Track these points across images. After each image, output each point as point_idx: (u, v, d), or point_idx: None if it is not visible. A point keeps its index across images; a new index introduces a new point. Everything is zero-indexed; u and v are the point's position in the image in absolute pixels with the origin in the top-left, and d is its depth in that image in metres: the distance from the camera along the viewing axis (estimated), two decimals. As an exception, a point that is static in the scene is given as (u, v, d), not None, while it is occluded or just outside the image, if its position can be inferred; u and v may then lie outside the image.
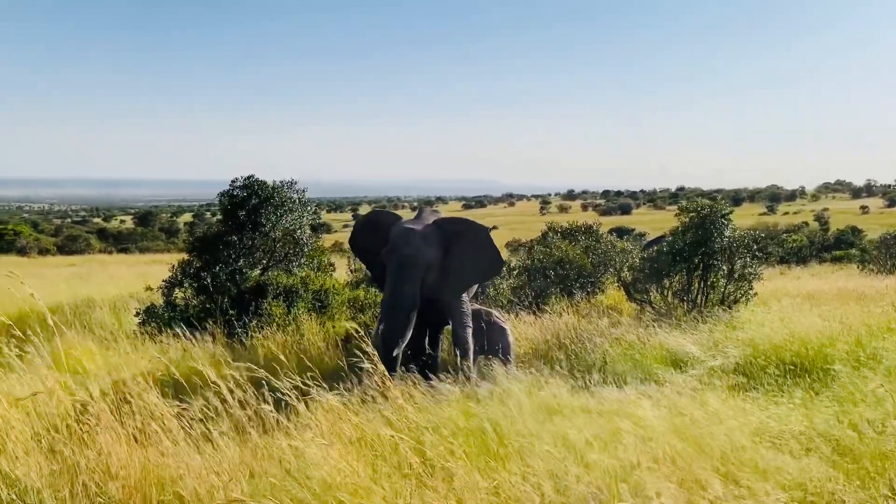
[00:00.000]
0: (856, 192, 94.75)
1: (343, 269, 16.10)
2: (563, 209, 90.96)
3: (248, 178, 10.67)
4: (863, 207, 68.22)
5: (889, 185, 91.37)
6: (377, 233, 7.37)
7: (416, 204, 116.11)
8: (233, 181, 10.76)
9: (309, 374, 4.64)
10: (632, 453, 4.08)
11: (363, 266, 16.03)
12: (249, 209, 10.44)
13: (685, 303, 10.37)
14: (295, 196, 10.96)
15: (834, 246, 30.02)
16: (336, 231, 64.78)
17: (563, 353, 7.83)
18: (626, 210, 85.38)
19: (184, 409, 4.31)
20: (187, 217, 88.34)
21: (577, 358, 7.69)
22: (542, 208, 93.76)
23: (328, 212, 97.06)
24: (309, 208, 11.26)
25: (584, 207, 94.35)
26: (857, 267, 22.22)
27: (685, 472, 3.95)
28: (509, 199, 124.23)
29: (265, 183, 10.69)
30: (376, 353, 4.69)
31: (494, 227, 60.48)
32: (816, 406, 5.45)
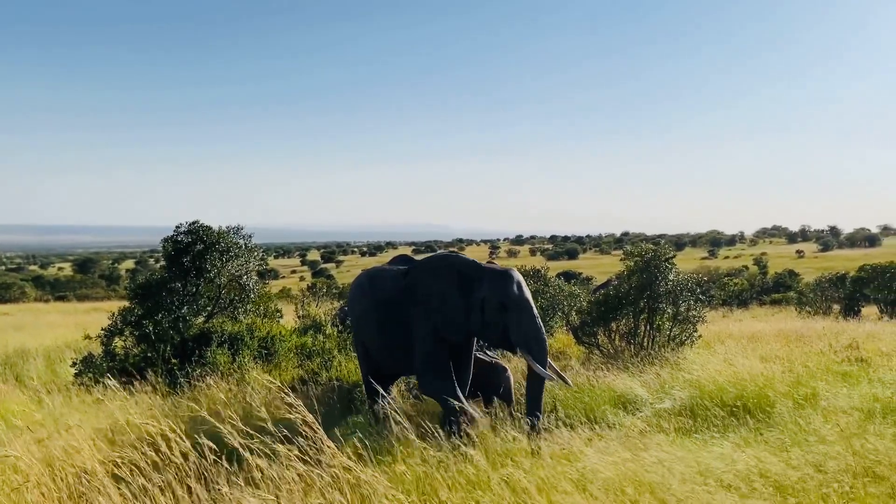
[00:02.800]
0: (791, 237, 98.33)
1: (290, 316, 15.85)
2: (511, 253, 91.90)
3: (193, 223, 10.49)
4: (798, 252, 70.74)
5: (822, 231, 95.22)
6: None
7: (365, 249, 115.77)
8: (177, 227, 10.56)
9: (255, 422, 4.51)
10: (579, 499, 4.06)
11: (312, 313, 15.86)
12: (194, 255, 10.23)
13: (632, 345, 10.51)
14: (241, 242, 10.81)
15: (772, 289, 30.97)
16: (283, 277, 63.97)
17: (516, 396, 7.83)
18: (572, 255, 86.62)
19: (118, 462, 4.13)
20: (129, 264, 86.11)
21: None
22: (491, 252, 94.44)
23: (276, 257, 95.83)
24: (255, 254, 11.11)
25: (533, 252, 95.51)
26: (795, 309, 22.92)
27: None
28: (459, 243, 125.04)
29: (210, 228, 10.52)
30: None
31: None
32: (759, 446, 5.55)
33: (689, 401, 7.62)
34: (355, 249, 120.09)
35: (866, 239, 79.72)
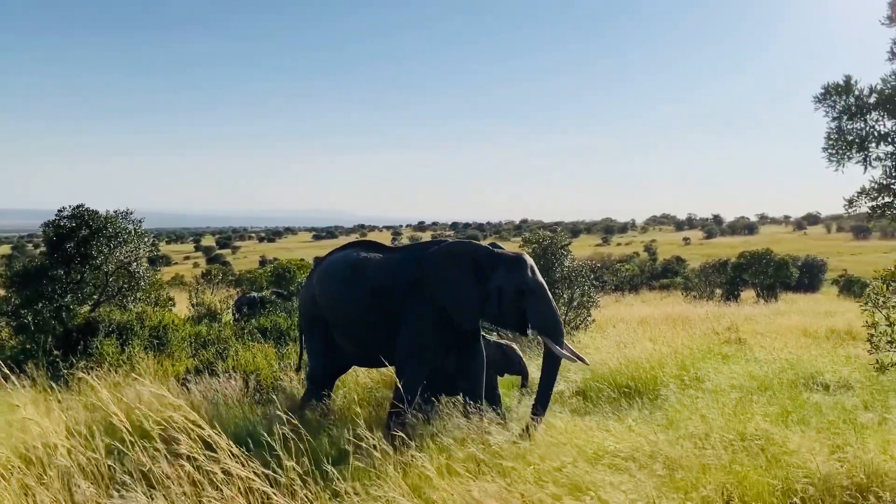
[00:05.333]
0: (679, 225, 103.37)
1: (184, 304, 15.28)
2: (414, 240, 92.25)
3: (78, 207, 9.92)
4: (685, 239, 74.54)
5: (707, 219, 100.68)
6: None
7: (263, 234, 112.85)
8: (59, 210, 9.95)
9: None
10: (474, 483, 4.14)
11: (207, 301, 15.34)
12: (79, 241, 9.67)
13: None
14: (130, 227, 10.31)
15: (661, 274, 32.52)
16: (176, 263, 61.50)
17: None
18: (462, 240, 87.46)
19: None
20: (5, 249, 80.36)
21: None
22: (393, 239, 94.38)
23: (168, 243, 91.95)
24: (146, 239, 10.63)
25: (434, 237, 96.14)
26: (682, 294, 24.19)
27: (532, 493, 4.07)
28: (361, 229, 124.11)
29: (97, 213, 9.97)
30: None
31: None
32: (650, 425, 5.84)
33: (584, 383, 7.93)
34: (252, 235, 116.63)
35: (746, 227, 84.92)
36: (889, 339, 4.40)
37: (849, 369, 8.48)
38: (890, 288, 4.58)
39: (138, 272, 10.41)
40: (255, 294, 14.42)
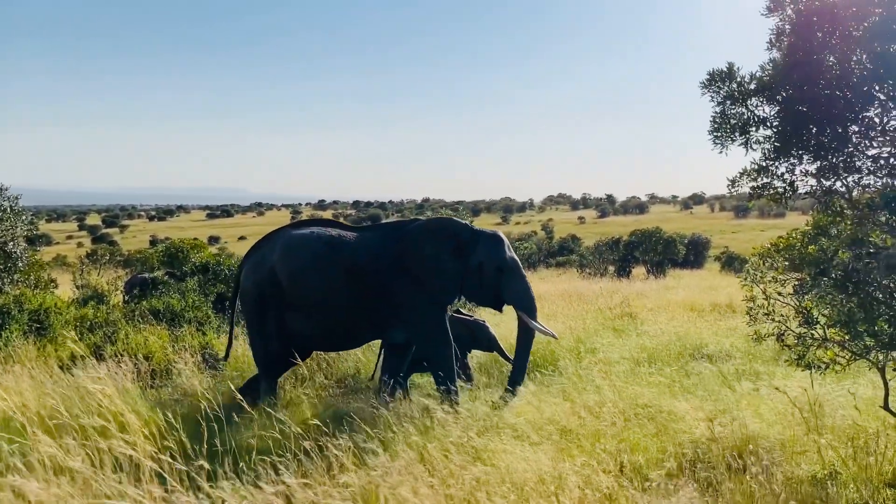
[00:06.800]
0: (574, 205, 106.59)
1: (67, 286, 14.44)
2: (313, 218, 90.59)
3: (-56, 182, 9.14)
4: (580, 218, 76.92)
5: (600, 199, 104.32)
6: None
7: (153, 213, 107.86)
8: (-78, 186, 9.15)
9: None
10: (383, 458, 4.16)
11: (93, 282, 14.56)
12: (-55, 219, 8.94)
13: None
14: (5, 204, 9.61)
15: (558, 252, 33.46)
16: (58, 243, 57.93)
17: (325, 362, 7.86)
18: (375, 221, 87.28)
19: None
20: None
21: (330, 367, 7.83)
22: (292, 218, 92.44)
23: (48, 221, 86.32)
24: (24, 217, 9.94)
25: (335, 217, 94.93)
26: (577, 271, 25.01)
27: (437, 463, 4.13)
28: (258, 208, 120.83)
29: (-34, 189, 9.24)
30: None
31: (243, 238, 58.35)
32: (547, 397, 6.04)
33: (484, 358, 8.11)
34: (142, 213, 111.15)
35: (637, 206, 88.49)
36: (765, 311, 4.72)
37: (730, 340, 9.07)
38: (766, 264, 4.90)
39: (15, 252, 9.74)
40: (146, 275, 13.79)
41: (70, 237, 66.80)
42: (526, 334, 6.76)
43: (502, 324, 9.35)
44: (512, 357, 7.07)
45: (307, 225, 7.11)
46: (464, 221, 7.05)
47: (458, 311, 7.83)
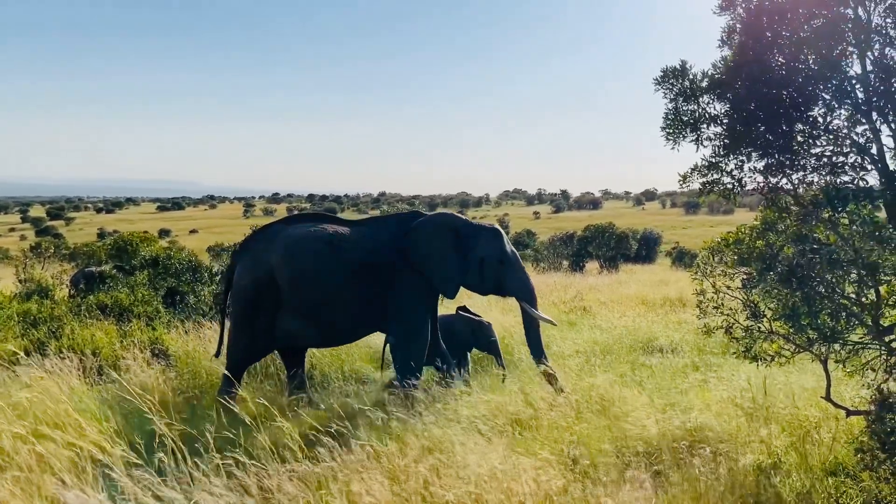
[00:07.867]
0: (529, 200, 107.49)
1: (10, 280, 13.98)
2: (268, 212, 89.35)
3: None
4: (535, 213, 77.63)
5: (555, 194, 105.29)
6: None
7: (101, 205, 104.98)
8: None
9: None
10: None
11: (37, 276, 14.10)
12: None
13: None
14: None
15: (513, 247, 33.76)
16: (0, 236, 55.97)
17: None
18: (331, 212, 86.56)
19: None
20: None
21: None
22: (245, 211, 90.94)
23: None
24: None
25: (290, 211, 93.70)
26: (532, 265, 25.23)
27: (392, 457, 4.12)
28: (211, 201, 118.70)
29: None
30: None
31: (194, 231, 57.26)
32: (502, 391, 6.08)
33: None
34: (89, 206, 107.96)
35: (591, 202, 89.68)
36: (715, 304, 4.82)
37: (680, 334, 9.27)
38: (716, 258, 5.00)
39: (-47, 245, 9.37)
40: (93, 268, 13.42)
41: (13, 230, 64.65)
42: (530, 321, 7.04)
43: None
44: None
45: (302, 220, 7.06)
46: (464, 217, 7.33)
47: (464, 310, 7.88)
